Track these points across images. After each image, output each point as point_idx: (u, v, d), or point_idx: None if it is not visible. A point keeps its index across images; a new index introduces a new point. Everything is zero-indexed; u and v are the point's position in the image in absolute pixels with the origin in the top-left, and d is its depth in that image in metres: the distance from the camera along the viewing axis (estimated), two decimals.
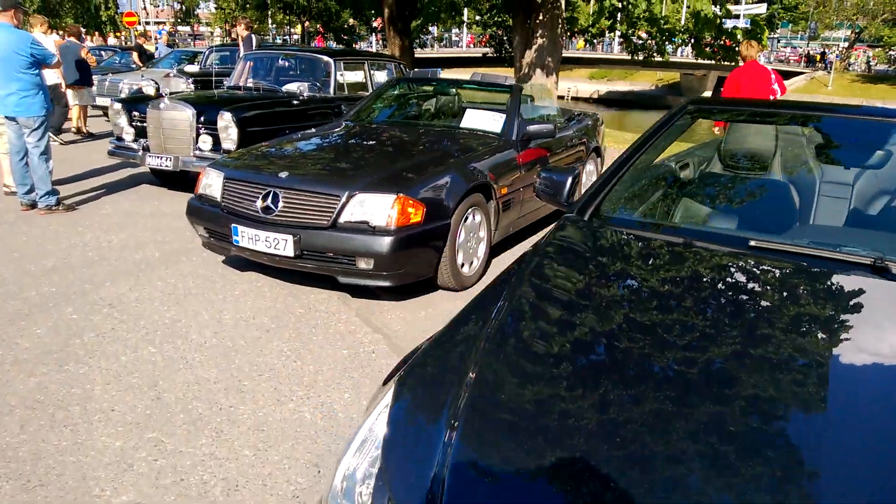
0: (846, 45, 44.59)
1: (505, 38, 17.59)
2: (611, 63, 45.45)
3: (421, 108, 5.46)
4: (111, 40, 23.51)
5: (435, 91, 5.58)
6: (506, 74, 10.94)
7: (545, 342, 1.38)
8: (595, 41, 17.14)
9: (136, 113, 6.26)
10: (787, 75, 40.50)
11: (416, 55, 17.62)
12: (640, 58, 14.38)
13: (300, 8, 19.22)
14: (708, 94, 41.30)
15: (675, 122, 2.19)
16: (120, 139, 6.30)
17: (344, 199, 3.50)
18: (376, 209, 3.49)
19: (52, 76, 8.76)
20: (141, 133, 6.19)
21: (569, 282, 1.63)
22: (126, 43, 10.00)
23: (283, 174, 3.69)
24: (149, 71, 11.59)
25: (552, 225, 2.14)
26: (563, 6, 11.24)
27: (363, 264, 3.49)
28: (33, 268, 4.15)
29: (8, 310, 3.50)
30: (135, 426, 2.51)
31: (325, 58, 6.94)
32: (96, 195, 6.10)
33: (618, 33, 15.37)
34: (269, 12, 26.06)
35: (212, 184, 3.96)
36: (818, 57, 40.95)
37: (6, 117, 5.22)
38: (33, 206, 5.45)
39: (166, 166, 5.86)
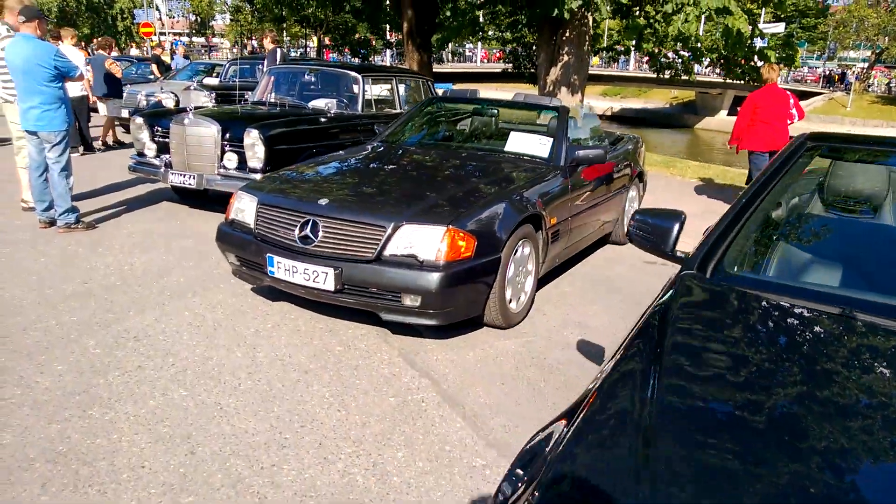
0: (865, 65, 44.29)
1: (522, 53, 17.44)
2: (625, 80, 45.34)
3: (458, 130, 5.21)
4: (133, 51, 23.48)
5: (473, 111, 5.34)
6: (544, 94, 10.73)
7: (720, 431, 1.12)
8: (614, 58, 16.91)
9: (158, 128, 6.06)
10: (805, 95, 40.31)
11: (433, 69, 17.48)
12: (667, 76, 14.16)
13: (317, 21, 19.16)
14: (724, 113, 41.10)
15: (797, 161, 1.94)
16: (141, 155, 6.09)
17: (389, 230, 3.25)
18: (424, 242, 3.23)
19: (77, 88, 8.64)
20: (163, 149, 5.98)
21: (720, 363, 1.37)
22: (146, 54, 9.89)
23: (323, 201, 3.45)
24: (167, 83, 11.45)
25: (668, 282, 1.87)
26: (591, 23, 11.04)
27: (409, 301, 3.23)
28: (52, 293, 3.91)
29: (26, 342, 3.26)
30: (168, 489, 2.24)
31: (353, 73, 6.73)
32: (116, 212, 5.88)
33: (632, 49, 15.21)
34: (284, 25, 26.07)
35: (244, 209, 3.72)
36: (837, 77, 40.66)
37: (27, 131, 5.02)
38: (52, 223, 5.23)
39: (189, 184, 5.64)
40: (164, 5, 37.85)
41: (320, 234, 3.35)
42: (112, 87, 9.33)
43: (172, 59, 14.90)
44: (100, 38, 10.75)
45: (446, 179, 3.87)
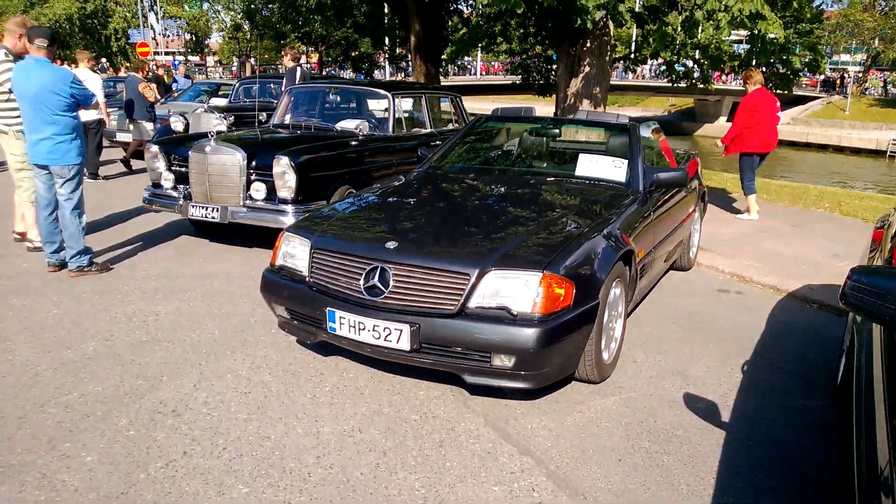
0: (860, 68, 44.26)
1: (532, 65, 17.09)
2: (622, 89, 45.15)
3: (516, 152, 4.70)
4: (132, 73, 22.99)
5: (530, 131, 4.83)
6: (564, 107, 10.30)
7: None
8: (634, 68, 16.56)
9: (175, 156, 5.56)
10: (802, 100, 40.18)
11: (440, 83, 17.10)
12: (683, 85, 13.79)
13: (318, 37, 18.78)
14: (723, 119, 40.85)
15: None
16: (157, 186, 5.58)
17: (473, 277, 2.76)
18: (516, 291, 2.74)
19: (93, 111, 8.23)
20: (181, 178, 5.48)
21: None
22: (148, 75, 9.45)
23: (391, 244, 2.95)
24: (174, 104, 10.98)
25: None
26: (612, 32, 10.64)
27: (500, 362, 2.74)
28: (71, 355, 3.40)
29: (47, 423, 2.74)
30: None
31: (382, 91, 6.27)
32: (131, 250, 5.37)
33: (648, 58, 14.86)
34: (284, 42, 25.69)
35: (294, 254, 3.22)
36: (839, 81, 40.56)
37: (36, 165, 4.52)
38: (62, 266, 4.72)
39: (212, 217, 5.14)
40: (159, 24, 37.45)
41: (391, 283, 2.85)
42: (143, 111, 8.93)
43: (174, 80, 14.44)
44: (133, 60, 10.62)
45: (523, 212, 3.38)
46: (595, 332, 2.97)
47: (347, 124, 6.03)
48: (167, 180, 5.49)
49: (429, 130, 6.63)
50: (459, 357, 2.79)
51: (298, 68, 7.81)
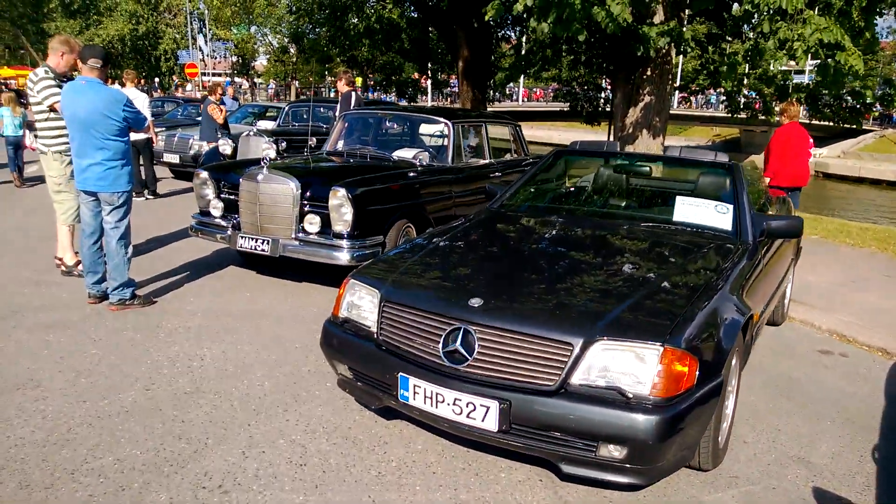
0: None
1: (577, 91, 16.74)
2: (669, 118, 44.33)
3: (603, 193, 4.19)
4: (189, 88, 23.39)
5: (615, 168, 4.38)
6: (620, 137, 9.87)
7: None
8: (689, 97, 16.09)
9: (224, 183, 5.28)
10: (854, 133, 38.85)
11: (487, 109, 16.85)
12: (743, 116, 13.22)
13: (364, 61, 18.76)
14: None
15: None
16: (205, 214, 5.30)
17: (577, 348, 2.32)
18: (631, 367, 2.29)
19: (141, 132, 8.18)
20: (230, 207, 5.19)
21: None
22: (222, 96, 9.57)
23: (476, 301, 2.54)
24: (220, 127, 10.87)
25: None
26: (673, 60, 10.20)
27: (608, 452, 2.28)
28: (107, 406, 3.06)
29: (77, 497, 2.37)
30: None
31: (442, 119, 5.92)
32: (176, 281, 5.08)
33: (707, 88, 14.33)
34: (329, 65, 25.87)
35: (361, 305, 2.83)
36: (894, 113, 39.18)
37: (84, 192, 4.26)
38: (103, 297, 4.44)
39: (262, 250, 4.82)
40: (207, 46, 38.35)
41: (476, 349, 2.43)
42: (210, 132, 8.87)
43: (221, 101, 14.43)
44: (210, 83, 10.80)
45: (623, 265, 2.93)
46: (716, 413, 2.49)
47: (405, 153, 5.69)
48: (216, 208, 5.20)
49: (488, 161, 6.25)
50: (557, 443, 2.34)
51: (353, 93, 7.53)
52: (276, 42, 34.29)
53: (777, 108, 12.74)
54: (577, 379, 2.31)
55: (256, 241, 4.84)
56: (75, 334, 3.92)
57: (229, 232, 5.03)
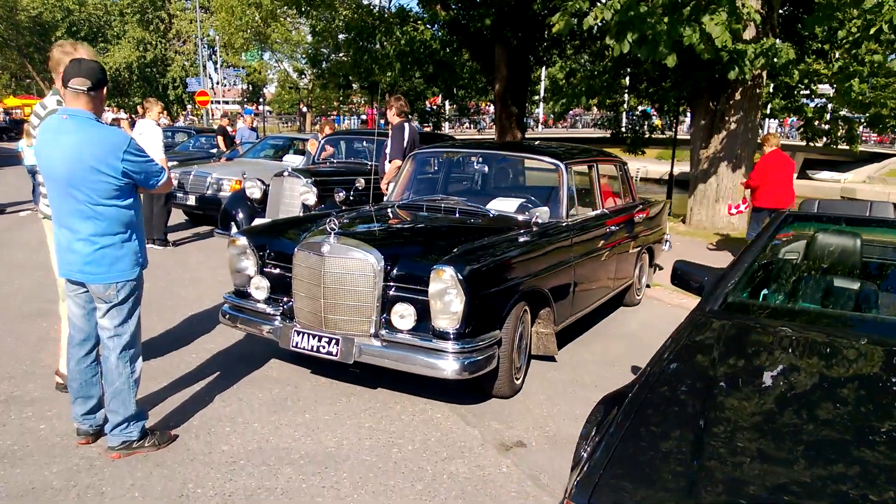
0: None
1: (617, 116, 15.52)
2: (681, 143, 42.99)
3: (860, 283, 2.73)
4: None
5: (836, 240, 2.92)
6: (698, 171, 8.43)
7: None
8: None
9: (270, 253, 3.84)
10: (879, 157, 37.45)
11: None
12: (819, 144, 11.85)
13: (387, 87, 17.50)
14: (793, 175, 38.09)
15: None
16: (243, 295, 3.84)
17: None
18: None
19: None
20: (278, 285, 3.75)
21: None
22: (210, 123, 8.30)
23: None
24: (242, 162, 9.52)
25: None
26: (763, 82, 8.86)
27: None
28: None
29: None
30: None
31: (550, 160, 4.50)
32: (201, 391, 3.61)
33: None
34: (347, 91, 24.72)
35: None
36: None
37: (69, 281, 2.82)
38: (98, 435, 2.97)
39: (329, 354, 3.35)
40: (218, 74, 37.38)
41: None
42: None
43: (238, 132, 13.13)
44: (245, 115, 9.50)
45: None
46: None
47: (502, 205, 4.29)
48: (258, 288, 3.75)
49: (599, 211, 4.83)
50: None
51: (406, 125, 6.08)
52: (292, 68, 33.17)
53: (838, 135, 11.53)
54: None
55: (320, 340, 3.37)
56: (61, 499, 2.45)
57: (278, 323, 3.58)
